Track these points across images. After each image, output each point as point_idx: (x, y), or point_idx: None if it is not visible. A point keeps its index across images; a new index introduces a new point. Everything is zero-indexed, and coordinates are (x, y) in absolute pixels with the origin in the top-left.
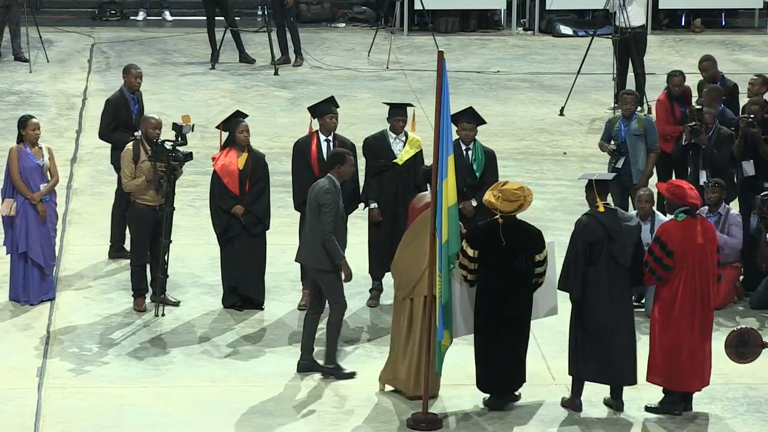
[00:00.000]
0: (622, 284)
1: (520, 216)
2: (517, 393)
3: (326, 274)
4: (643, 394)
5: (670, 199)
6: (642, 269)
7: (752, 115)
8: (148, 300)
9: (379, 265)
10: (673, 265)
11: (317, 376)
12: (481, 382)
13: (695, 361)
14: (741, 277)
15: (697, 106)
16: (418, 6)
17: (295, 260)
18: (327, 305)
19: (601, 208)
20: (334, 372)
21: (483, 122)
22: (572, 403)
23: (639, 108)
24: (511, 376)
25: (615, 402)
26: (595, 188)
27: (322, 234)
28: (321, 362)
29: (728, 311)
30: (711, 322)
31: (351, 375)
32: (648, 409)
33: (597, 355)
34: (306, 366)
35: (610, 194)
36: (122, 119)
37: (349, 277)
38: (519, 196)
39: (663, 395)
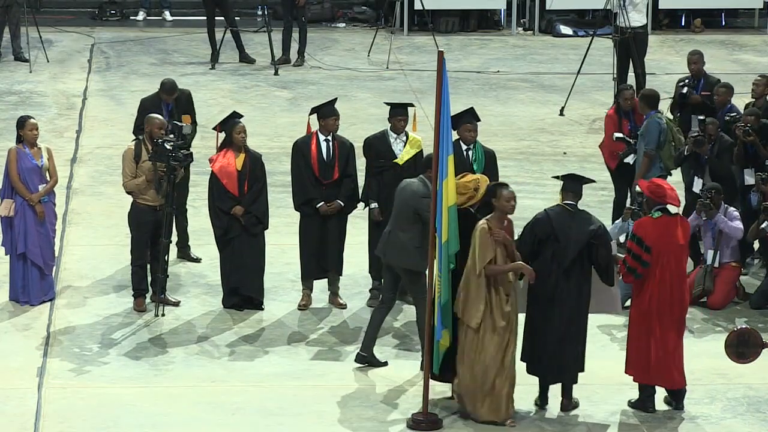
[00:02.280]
0: (567, 283)
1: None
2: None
3: (416, 275)
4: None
5: (649, 197)
6: (609, 270)
7: (748, 124)
8: (148, 300)
9: (379, 265)
10: (651, 260)
11: (317, 375)
12: None
13: (673, 359)
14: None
15: (700, 117)
16: (418, 6)
17: (376, 253)
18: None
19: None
20: (369, 360)
21: (478, 119)
22: (539, 401)
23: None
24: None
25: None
26: (563, 185)
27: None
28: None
29: (728, 311)
30: (685, 321)
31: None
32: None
33: (530, 350)
34: (365, 359)
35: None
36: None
37: None
38: (468, 188)
39: (639, 392)
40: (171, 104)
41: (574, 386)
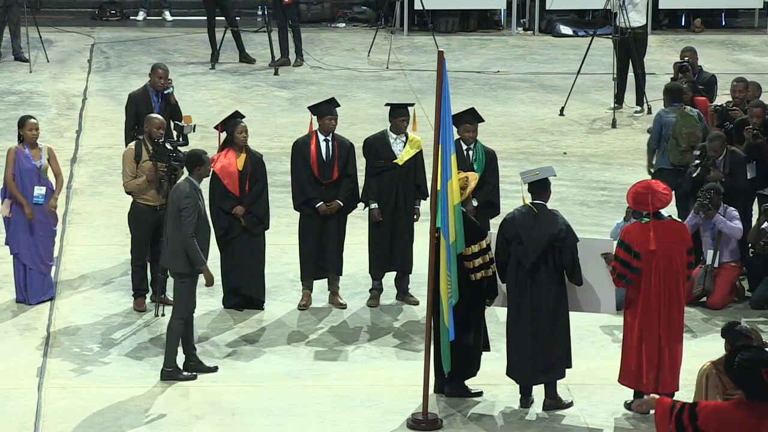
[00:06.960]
0: (532, 285)
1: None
2: (474, 390)
3: (182, 278)
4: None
5: (632, 208)
6: (576, 271)
7: (756, 127)
8: (148, 300)
9: (379, 265)
10: (641, 266)
11: (317, 375)
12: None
13: (662, 363)
14: (741, 277)
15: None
16: (418, 6)
17: (160, 263)
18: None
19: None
20: (173, 375)
21: (481, 120)
22: (522, 401)
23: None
24: (459, 366)
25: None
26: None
27: (183, 238)
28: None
29: (728, 311)
30: (681, 324)
31: (193, 377)
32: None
33: (507, 352)
34: (170, 374)
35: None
36: (143, 116)
37: (210, 282)
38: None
39: (634, 394)
40: (161, 94)
41: (574, 386)
